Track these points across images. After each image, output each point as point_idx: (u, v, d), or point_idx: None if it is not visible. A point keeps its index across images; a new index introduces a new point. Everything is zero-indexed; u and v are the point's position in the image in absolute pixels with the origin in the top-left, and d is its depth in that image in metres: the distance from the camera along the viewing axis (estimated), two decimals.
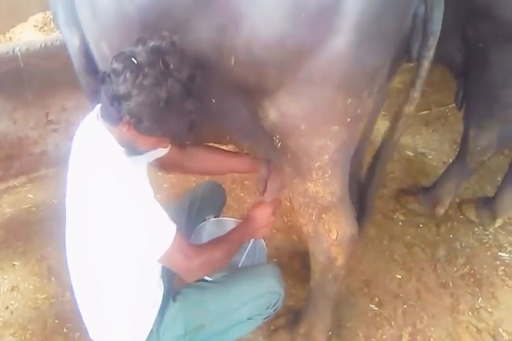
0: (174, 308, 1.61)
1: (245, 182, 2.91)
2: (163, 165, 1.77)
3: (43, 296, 2.31)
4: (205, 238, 1.90)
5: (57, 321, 2.20)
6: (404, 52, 1.42)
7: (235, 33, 1.25)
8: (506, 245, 2.58)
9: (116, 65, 1.23)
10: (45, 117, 2.86)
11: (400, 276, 2.39)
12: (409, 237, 2.59)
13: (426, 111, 3.46)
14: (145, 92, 1.21)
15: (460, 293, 2.33)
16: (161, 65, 1.22)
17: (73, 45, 1.67)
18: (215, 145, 1.86)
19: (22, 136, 2.85)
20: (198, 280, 1.67)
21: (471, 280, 2.40)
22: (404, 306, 2.26)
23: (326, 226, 1.62)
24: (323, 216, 1.60)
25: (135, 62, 1.22)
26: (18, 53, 2.56)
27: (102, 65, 1.56)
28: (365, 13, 1.17)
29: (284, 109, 1.35)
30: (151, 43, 1.23)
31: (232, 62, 1.29)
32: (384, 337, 2.14)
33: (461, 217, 2.72)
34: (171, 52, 1.23)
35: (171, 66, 1.22)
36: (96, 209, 1.36)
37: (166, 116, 1.27)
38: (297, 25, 1.19)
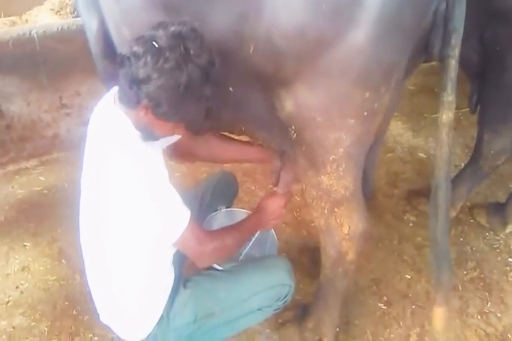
0: (185, 295, 1.62)
1: (257, 175, 2.92)
2: (175, 152, 1.77)
3: (53, 278, 2.35)
4: (215, 228, 1.91)
5: (66, 303, 2.23)
6: (423, 50, 1.42)
7: (255, 21, 1.26)
8: None
9: (137, 48, 1.24)
10: (59, 101, 2.91)
11: (409, 277, 2.39)
12: (419, 239, 2.58)
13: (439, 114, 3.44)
14: (165, 76, 1.23)
15: (469, 296, 2.32)
16: (181, 49, 1.23)
17: (91, 28, 1.68)
18: (229, 135, 1.87)
19: (35, 118, 2.90)
20: (208, 269, 1.69)
21: (481, 284, 2.38)
22: (413, 306, 2.25)
23: (338, 220, 1.63)
24: (336, 210, 1.61)
25: (156, 45, 1.23)
26: (35, 35, 2.60)
27: (122, 49, 1.54)
28: (386, 7, 1.18)
29: (301, 100, 1.36)
30: (172, 28, 1.24)
31: (251, 50, 1.31)
32: (392, 336, 2.13)
33: (471, 221, 2.70)
34: (191, 38, 1.24)
35: (191, 51, 1.23)
36: (111, 191, 1.38)
37: (184, 101, 1.28)
38: (318, 16, 1.20)
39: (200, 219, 1.90)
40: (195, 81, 1.25)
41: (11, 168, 2.96)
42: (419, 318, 2.21)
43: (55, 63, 2.75)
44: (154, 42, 1.23)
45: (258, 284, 1.67)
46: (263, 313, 1.73)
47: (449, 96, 1.38)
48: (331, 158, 1.47)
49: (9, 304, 2.23)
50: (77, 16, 2.96)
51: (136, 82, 1.26)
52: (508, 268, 2.46)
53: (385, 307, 2.25)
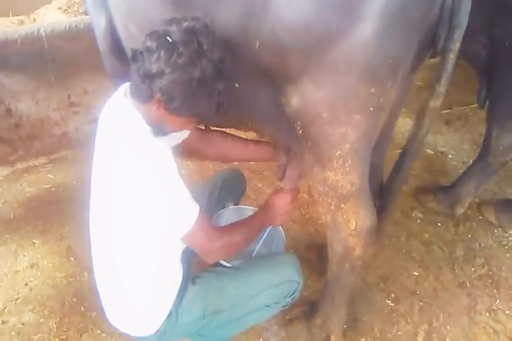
0: (193, 291, 1.62)
1: (264, 172, 2.93)
2: (183, 150, 1.78)
3: (62, 275, 2.37)
4: (223, 224, 1.90)
5: (75, 300, 2.25)
6: (429, 45, 1.41)
7: (260, 16, 1.26)
8: None
9: (150, 43, 1.25)
10: (67, 99, 2.93)
11: (417, 274, 2.38)
12: (427, 235, 2.57)
13: (447, 110, 3.43)
14: (179, 71, 1.24)
15: (477, 293, 2.31)
16: (195, 44, 1.24)
17: (99, 25, 1.70)
18: (235, 132, 1.87)
19: (43, 116, 2.92)
20: (216, 266, 1.69)
21: (489, 281, 2.37)
22: (421, 303, 2.25)
23: (345, 216, 1.62)
24: (342, 205, 1.60)
25: (170, 40, 1.24)
26: (43, 34, 2.62)
27: (129, 46, 1.57)
28: (392, 1, 1.18)
29: (307, 95, 1.36)
30: (186, 23, 1.25)
31: (257, 45, 1.31)
32: (399, 333, 2.13)
33: (480, 217, 2.69)
34: (204, 33, 1.25)
35: (205, 47, 1.25)
36: (121, 186, 1.39)
37: (196, 96, 1.29)
38: (323, 11, 1.20)
39: (208, 215, 1.89)
40: (208, 76, 1.27)
41: (19, 166, 2.99)
42: (427, 315, 2.21)
43: (63, 61, 2.76)
44: (168, 37, 1.24)
45: (266, 281, 1.67)
46: (271, 310, 1.74)
47: (441, 88, 1.45)
48: (337, 154, 1.47)
49: (18, 301, 2.26)
50: (85, 14, 2.97)
51: (149, 77, 1.27)
52: None
53: (392, 304, 2.24)
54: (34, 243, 2.53)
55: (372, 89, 1.32)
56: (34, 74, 2.75)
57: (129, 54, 1.36)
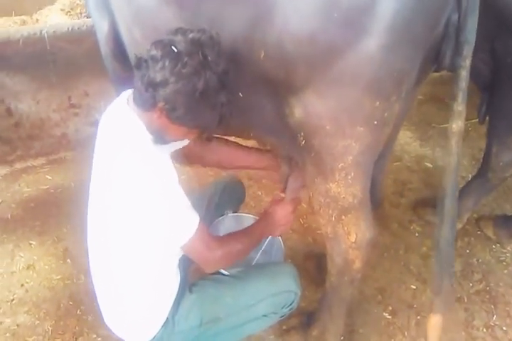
0: (190, 299, 1.62)
1: (263, 180, 2.93)
2: (182, 156, 1.78)
3: (58, 277, 2.36)
4: (222, 232, 1.92)
5: (71, 303, 2.24)
6: (433, 60, 1.43)
7: (266, 27, 1.27)
8: None
9: (155, 52, 1.26)
10: (68, 100, 2.94)
11: (414, 287, 2.38)
12: (425, 249, 2.57)
13: (447, 125, 3.44)
14: (183, 81, 1.24)
15: (475, 308, 2.30)
16: (200, 56, 1.24)
17: (102, 29, 1.70)
18: (237, 140, 1.88)
19: (44, 117, 2.93)
20: (214, 274, 1.69)
21: (487, 296, 2.37)
22: (418, 317, 2.24)
23: (346, 228, 1.62)
24: (343, 217, 1.60)
25: (175, 50, 1.24)
26: (45, 35, 2.64)
27: (133, 51, 1.57)
28: (398, 16, 1.19)
29: (311, 107, 1.36)
30: (191, 34, 1.26)
31: (262, 56, 1.31)
32: None
33: (478, 232, 2.69)
34: (209, 45, 1.26)
35: (210, 58, 1.25)
36: (121, 193, 1.38)
37: (199, 107, 1.30)
38: (329, 24, 1.21)
39: (206, 223, 1.89)
40: (212, 88, 1.27)
41: (18, 166, 2.99)
42: (424, 329, 2.16)
43: (65, 63, 2.78)
44: (173, 47, 1.25)
45: (264, 290, 1.67)
46: (268, 320, 1.73)
47: (459, 106, 1.39)
48: (339, 166, 1.47)
49: (14, 302, 2.25)
50: (88, 17, 2.99)
51: (152, 85, 1.27)
52: None
53: (389, 317, 2.24)
54: (31, 244, 2.52)
55: (377, 103, 1.33)
56: (35, 74, 2.76)
57: (132, 60, 1.36)
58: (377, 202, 1.88)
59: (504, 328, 2.23)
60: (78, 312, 2.20)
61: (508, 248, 2.62)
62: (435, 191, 2.93)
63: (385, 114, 1.38)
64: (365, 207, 1.62)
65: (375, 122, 1.38)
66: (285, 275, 1.73)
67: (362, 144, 1.42)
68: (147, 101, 1.33)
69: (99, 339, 2.09)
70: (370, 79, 1.28)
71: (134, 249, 1.47)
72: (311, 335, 1.97)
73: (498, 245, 2.63)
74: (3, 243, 2.52)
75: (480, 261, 2.54)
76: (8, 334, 2.11)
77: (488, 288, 2.40)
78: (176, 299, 1.60)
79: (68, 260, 2.43)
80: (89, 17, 2.65)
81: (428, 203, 2.74)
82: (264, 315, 1.69)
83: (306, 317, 2.06)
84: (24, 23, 3.23)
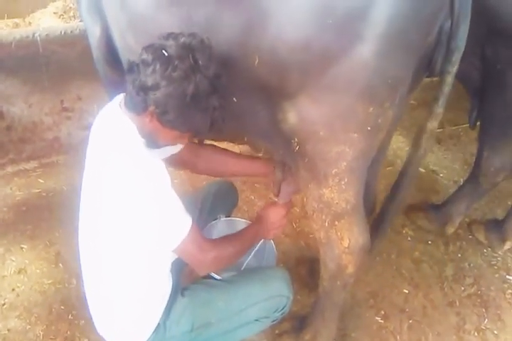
0: (182, 303, 1.61)
1: (256, 184, 2.93)
2: (175, 163, 1.77)
3: (50, 281, 2.34)
4: (215, 236, 1.92)
5: (62, 307, 2.22)
6: (426, 66, 1.44)
7: (260, 33, 1.27)
8: None
9: (146, 56, 1.26)
10: (60, 104, 2.92)
11: (406, 291, 2.39)
12: (417, 253, 2.59)
13: (439, 130, 3.48)
14: (173, 84, 1.24)
15: (466, 312, 2.32)
16: (190, 60, 1.24)
17: (94, 33, 1.70)
18: (228, 147, 1.88)
19: (36, 120, 2.91)
20: (206, 278, 1.69)
21: (478, 300, 2.39)
22: (410, 321, 2.25)
23: (339, 234, 1.63)
24: (336, 223, 1.61)
25: (165, 54, 1.24)
26: (38, 38, 2.62)
27: (126, 56, 1.58)
28: (392, 23, 1.20)
29: (305, 113, 1.37)
30: (183, 39, 1.26)
31: (256, 62, 1.32)
32: None
33: (470, 237, 2.71)
34: (200, 49, 1.26)
35: (200, 62, 1.25)
36: (113, 197, 1.38)
37: (190, 111, 1.30)
38: (324, 31, 1.22)
39: (199, 227, 1.89)
40: (203, 92, 1.27)
41: (9, 169, 2.97)
42: (416, 333, 2.21)
43: (57, 66, 2.76)
44: (164, 51, 1.25)
45: (256, 295, 1.67)
46: (260, 324, 1.73)
47: (439, 109, 1.49)
48: (333, 172, 1.47)
49: (5, 306, 2.23)
50: (80, 20, 2.98)
51: (144, 89, 1.28)
52: (505, 285, 2.47)
53: (381, 321, 2.25)
54: (22, 248, 2.50)
55: (371, 109, 1.34)
56: (28, 78, 2.74)
57: (125, 65, 1.36)
58: (370, 207, 1.88)
59: (495, 332, 2.25)
60: (70, 316, 2.18)
61: (500, 252, 2.64)
62: (427, 196, 2.96)
63: (379, 120, 1.39)
64: (359, 213, 1.63)
65: (369, 128, 1.39)
66: (277, 279, 1.73)
67: (355, 150, 1.43)
68: (138, 105, 1.33)
69: None
70: (364, 85, 1.29)
71: (126, 253, 1.46)
72: (304, 339, 1.98)
73: (489, 249, 2.66)
74: None
75: (471, 265, 2.56)
76: None
77: (479, 292, 2.42)
78: (167, 304, 1.60)
79: (60, 264, 2.42)
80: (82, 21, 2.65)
81: (420, 208, 2.76)
82: (256, 320, 1.69)
83: (298, 322, 2.06)
84: (17, 25, 3.22)
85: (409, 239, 2.68)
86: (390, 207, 1.76)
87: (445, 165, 3.26)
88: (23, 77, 2.73)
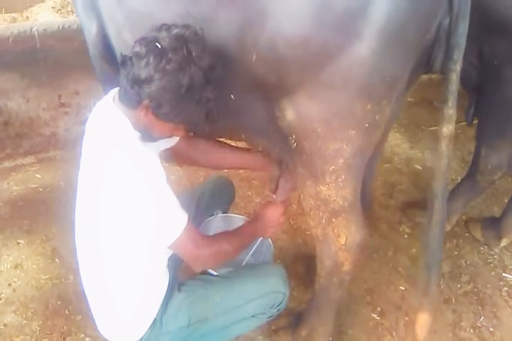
0: (179, 299, 1.62)
1: (253, 181, 2.93)
2: (172, 156, 1.77)
3: (46, 276, 2.34)
4: (212, 232, 1.92)
5: (59, 302, 2.22)
6: (425, 63, 1.44)
7: (259, 29, 1.27)
8: (511, 267, 2.56)
9: (139, 49, 1.26)
10: (58, 99, 2.92)
11: (403, 288, 2.39)
12: (414, 250, 2.58)
13: (436, 127, 3.47)
14: (167, 77, 1.24)
15: (462, 310, 2.33)
16: (184, 51, 1.24)
17: (90, 30, 1.69)
18: (228, 141, 1.87)
19: (33, 115, 2.90)
20: (203, 273, 1.69)
21: (474, 298, 2.39)
22: (406, 318, 2.25)
23: (336, 231, 1.63)
24: (333, 220, 1.61)
25: (159, 46, 1.24)
26: (36, 33, 2.62)
27: (122, 52, 1.56)
28: (390, 21, 1.20)
29: (302, 110, 1.37)
30: (175, 30, 1.26)
31: (254, 58, 1.31)
32: None
33: (466, 234, 2.71)
34: (194, 41, 1.26)
35: (194, 53, 1.25)
36: (109, 192, 1.38)
37: (185, 103, 1.30)
38: (322, 27, 1.21)
39: (196, 223, 1.89)
40: (197, 83, 1.27)
41: (7, 164, 2.97)
42: (413, 330, 2.20)
43: (55, 61, 2.76)
44: (157, 43, 1.24)
45: (253, 291, 1.67)
46: (257, 320, 1.73)
47: (450, 110, 1.42)
48: (330, 169, 1.48)
49: (1, 301, 2.23)
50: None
51: (137, 82, 1.27)
52: (501, 283, 2.47)
53: (378, 318, 2.25)
54: (19, 243, 2.50)
55: (369, 106, 1.34)
56: (25, 72, 2.74)
57: (119, 60, 1.36)
58: (366, 204, 1.88)
59: (491, 329, 2.26)
60: (66, 312, 2.18)
61: (496, 250, 2.64)
62: (424, 193, 2.94)
63: (376, 117, 1.39)
64: (356, 210, 1.63)
65: (367, 125, 1.39)
66: (274, 275, 1.74)
67: (353, 147, 1.43)
68: (133, 99, 1.32)
69: (87, 339, 2.08)
70: (361, 82, 1.29)
71: (122, 248, 1.47)
72: (300, 336, 1.98)
73: (485, 247, 2.66)
74: None
75: (468, 262, 2.57)
76: None
77: (475, 290, 2.43)
78: (164, 299, 1.60)
79: (57, 259, 2.42)
80: None
81: (417, 205, 2.76)
82: (253, 316, 1.69)
83: (294, 318, 2.07)
84: (14, 20, 3.22)
85: (406, 236, 2.68)
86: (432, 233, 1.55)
87: None
88: (20, 71, 2.72)
